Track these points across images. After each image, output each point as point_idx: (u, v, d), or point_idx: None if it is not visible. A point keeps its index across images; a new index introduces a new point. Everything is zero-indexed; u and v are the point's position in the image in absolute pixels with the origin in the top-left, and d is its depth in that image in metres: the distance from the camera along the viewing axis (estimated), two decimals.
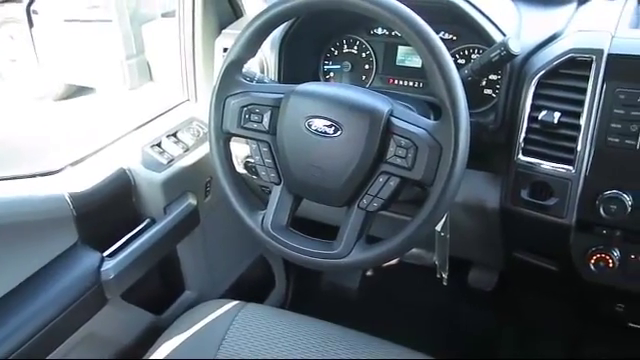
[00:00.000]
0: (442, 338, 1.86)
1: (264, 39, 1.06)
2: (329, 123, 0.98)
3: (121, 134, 1.43)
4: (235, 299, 1.33)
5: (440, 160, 0.92)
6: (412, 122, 0.96)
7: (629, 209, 1.00)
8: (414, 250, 1.72)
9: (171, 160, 1.39)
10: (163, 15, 2.07)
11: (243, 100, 1.07)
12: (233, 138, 1.11)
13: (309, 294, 2.05)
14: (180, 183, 1.41)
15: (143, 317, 1.43)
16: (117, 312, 1.33)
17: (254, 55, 1.08)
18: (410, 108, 1.10)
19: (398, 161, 0.95)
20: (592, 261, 1.08)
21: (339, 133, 0.97)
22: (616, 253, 1.06)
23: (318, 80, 1.40)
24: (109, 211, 1.29)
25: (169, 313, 1.49)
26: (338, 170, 0.99)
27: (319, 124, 0.99)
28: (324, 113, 0.99)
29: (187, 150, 1.43)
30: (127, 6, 2.25)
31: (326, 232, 1.07)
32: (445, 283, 1.25)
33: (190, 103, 1.56)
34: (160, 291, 1.52)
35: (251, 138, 1.07)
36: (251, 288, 1.88)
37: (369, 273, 2.05)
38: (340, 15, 1.02)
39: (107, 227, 1.30)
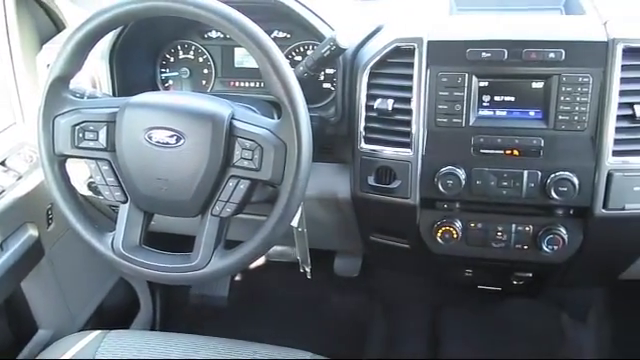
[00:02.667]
0: (317, 329, 1.90)
1: (89, 51, 1.00)
2: (170, 133, 0.95)
3: None
4: (98, 329, 1.25)
5: (286, 158, 0.93)
6: (254, 123, 0.96)
7: (463, 182, 1.08)
8: (277, 248, 1.73)
9: (2, 191, 1.26)
10: None
11: (74, 118, 1.00)
12: (70, 159, 1.04)
13: (178, 311, 1.99)
14: (16, 215, 1.29)
15: None
16: None
17: (80, 69, 1.01)
18: (252, 109, 1.11)
19: (245, 163, 0.94)
20: (439, 234, 1.15)
21: (182, 142, 0.95)
22: (458, 224, 1.15)
23: (157, 89, 1.36)
24: None
25: (22, 358, 1.36)
26: (186, 180, 0.96)
27: (160, 135, 0.96)
28: (164, 123, 0.96)
29: (20, 178, 1.31)
30: None
31: (188, 244, 1.04)
32: (309, 277, 1.27)
33: (17, 126, 1.43)
34: (8, 335, 1.39)
35: (88, 158, 1.01)
36: (115, 315, 1.78)
37: (237, 278, 2.03)
38: (169, 20, 0.99)
39: None
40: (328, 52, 1.05)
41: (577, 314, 1.76)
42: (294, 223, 1.10)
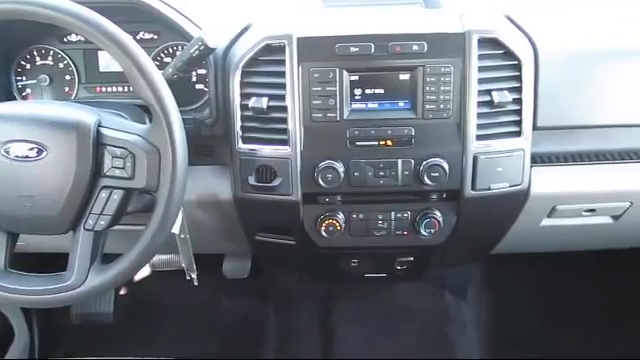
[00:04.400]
0: (210, 335, 1.87)
1: None
2: (31, 146, 0.90)
3: None
4: None
5: (160, 163, 0.90)
6: (124, 130, 0.92)
7: (342, 175, 1.10)
8: (162, 256, 1.68)
9: None
10: None
11: None
12: None
13: (60, 333, 1.87)
14: None
15: None
16: None
17: None
18: (122, 115, 1.07)
19: (117, 172, 0.91)
20: (323, 228, 1.17)
21: (44, 155, 0.89)
22: (341, 216, 1.17)
23: (13, 99, 1.26)
24: None
25: None
26: (52, 195, 0.91)
27: (19, 149, 0.90)
28: (22, 136, 0.90)
29: None
30: None
31: (64, 262, 0.98)
32: (196, 283, 1.24)
33: None
34: None
35: None
36: None
37: (122, 292, 1.94)
38: (21, 24, 0.92)
39: None
40: (197, 52, 1.03)
41: (458, 291, 1.88)
42: (175, 230, 1.07)
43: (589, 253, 1.51)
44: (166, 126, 0.88)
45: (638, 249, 1.53)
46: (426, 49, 1.07)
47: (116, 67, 1.25)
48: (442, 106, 1.09)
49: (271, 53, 1.10)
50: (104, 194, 0.92)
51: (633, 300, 1.87)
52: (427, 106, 1.09)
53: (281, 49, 1.09)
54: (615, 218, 1.29)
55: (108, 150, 0.90)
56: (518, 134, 1.11)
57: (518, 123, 1.11)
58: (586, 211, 1.25)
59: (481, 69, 1.08)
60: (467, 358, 1.76)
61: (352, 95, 1.10)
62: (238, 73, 1.10)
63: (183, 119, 0.93)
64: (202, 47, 1.02)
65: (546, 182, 1.18)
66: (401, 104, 1.11)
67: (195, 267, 1.23)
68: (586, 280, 1.89)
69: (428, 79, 1.08)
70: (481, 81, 1.08)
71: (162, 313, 1.93)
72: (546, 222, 1.27)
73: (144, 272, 1.90)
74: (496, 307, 1.88)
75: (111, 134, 0.91)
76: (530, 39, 1.13)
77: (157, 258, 1.68)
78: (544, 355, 1.78)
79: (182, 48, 1.22)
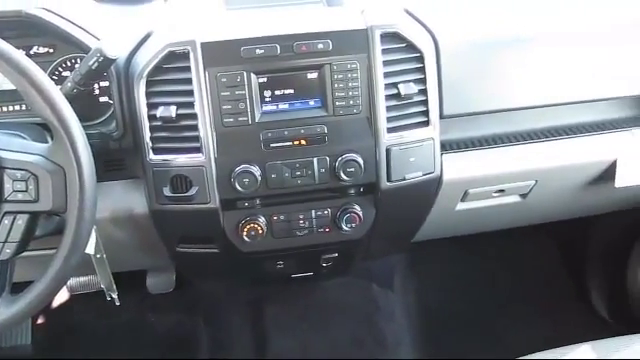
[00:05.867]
0: (141, 354, 1.81)
1: None
2: None
3: None
4: None
5: (66, 183, 0.86)
6: (23, 150, 0.88)
7: (259, 178, 1.10)
8: (80, 279, 1.61)
9: None
10: None
11: None
12: None
13: None
14: None
15: None
16: None
17: None
18: (20, 136, 1.02)
19: (19, 196, 0.86)
20: (244, 233, 1.15)
21: None
22: (262, 219, 1.16)
23: None
24: None
25: None
26: None
27: None
28: None
29: None
30: None
31: None
32: (117, 303, 1.20)
33: None
34: None
35: None
36: None
37: (40, 320, 1.84)
38: None
39: None
40: (96, 64, 0.99)
41: (384, 282, 1.92)
42: (90, 250, 1.03)
43: (505, 231, 1.58)
44: (69, 143, 0.85)
45: (546, 224, 1.63)
46: (331, 47, 1.08)
47: (10, 85, 1.18)
48: (352, 102, 1.10)
49: (175, 60, 1.07)
50: (7, 220, 0.87)
51: (551, 272, 1.98)
52: (337, 103, 1.10)
53: (185, 56, 1.06)
54: (523, 196, 1.36)
55: (7, 174, 0.86)
56: (426, 124, 1.15)
57: (425, 113, 1.15)
58: (496, 192, 1.31)
59: (386, 63, 1.10)
60: (398, 346, 1.81)
61: (262, 97, 1.10)
62: (142, 83, 1.07)
63: (88, 134, 0.89)
64: (101, 58, 0.98)
65: (457, 168, 1.23)
66: (312, 103, 1.12)
67: (115, 287, 1.19)
68: (507, 258, 1.98)
69: (336, 76, 1.09)
70: (387, 75, 1.10)
71: (86, 338, 1.85)
72: (460, 206, 1.33)
73: (62, 297, 1.81)
74: (423, 293, 1.94)
75: (9, 156, 0.86)
76: (430, 31, 1.17)
77: (75, 281, 1.61)
78: (473, 336, 1.85)
79: (81, 60, 1.17)
